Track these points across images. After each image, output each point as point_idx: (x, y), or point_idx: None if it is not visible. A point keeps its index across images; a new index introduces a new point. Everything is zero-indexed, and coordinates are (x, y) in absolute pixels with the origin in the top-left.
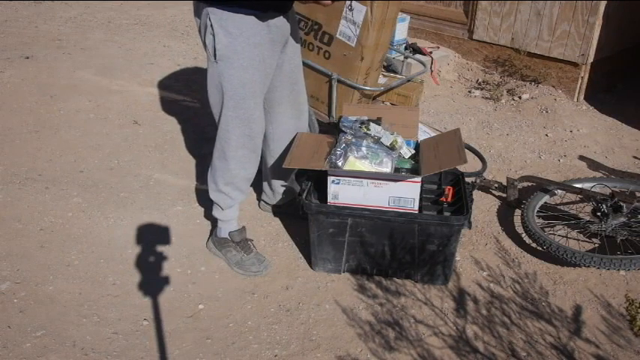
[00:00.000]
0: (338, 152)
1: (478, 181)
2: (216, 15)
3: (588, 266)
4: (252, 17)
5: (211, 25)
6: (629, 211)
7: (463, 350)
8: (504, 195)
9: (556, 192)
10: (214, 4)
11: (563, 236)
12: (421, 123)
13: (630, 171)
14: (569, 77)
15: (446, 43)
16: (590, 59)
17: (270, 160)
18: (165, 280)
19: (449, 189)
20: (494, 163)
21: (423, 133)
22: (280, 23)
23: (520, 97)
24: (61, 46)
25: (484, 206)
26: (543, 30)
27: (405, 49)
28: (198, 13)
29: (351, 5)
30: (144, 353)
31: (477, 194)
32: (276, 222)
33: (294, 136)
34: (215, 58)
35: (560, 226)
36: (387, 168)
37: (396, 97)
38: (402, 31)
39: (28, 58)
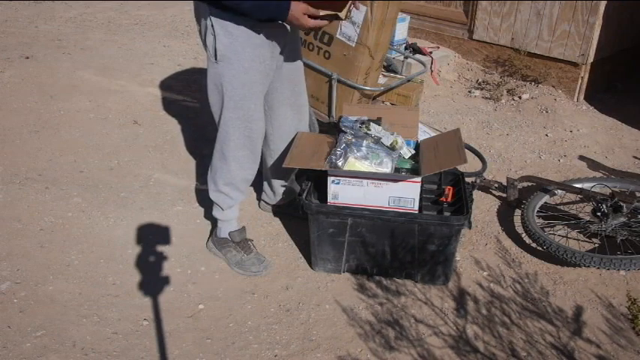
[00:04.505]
0: (338, 152)
1: (478, 181)
2: (217, 15)
3: (588, 266)
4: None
5: (212, 26)
6: (629, 211)
7: (463, 350)
8: (504, 195)
9: (556, 192)
10: (214, 4)
11: (563, 236)
12: (421, 123)
13: (630, 171)
14: (569, 77)
15: (446, 43)
16: (590, 59)
17: (271, 161)
18: (166, 280)
19: (449, 189)
20: (494, 163)
21: (423, 133)
22: (280, 25)
23: (520, 97)
24: (61, 46)
25: (484, 206)
26: (543, 30)
27: (405, 49)
28: (198, 14)
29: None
30: (144, 353)
31: (477, 194)
32: (276, 222)
33: (294, 136)
34: (215, 59)
35: (560, 226)
36: (387, 168)
37: (396, 97)
38: (402, 31)
39: (28, 58)
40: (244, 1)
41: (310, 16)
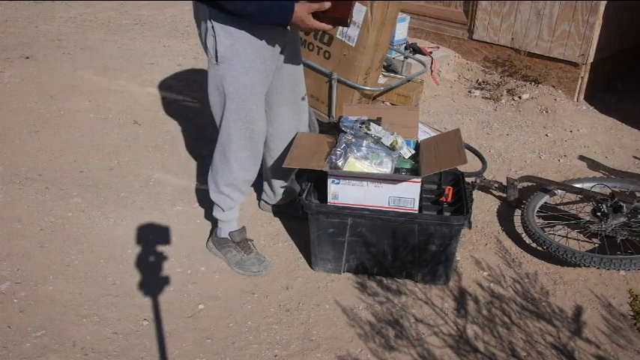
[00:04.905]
0: (338, 152)
1: (478, 181)
2: (217, 17)
3: (588, 266)
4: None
5: (212, 27)
6: (629, 211)
7: (463, 350)
8: (504, 195)
9: (556, 192)
10: (215, 5)
11: (563, 236)
12: (421, 123)
13: (630, 171)
14: (569, 77)
15: (446, 43)
16: (590, 59)
17: (270, 161)
18: (166, 280)
19: (449, 189)
20: (494, 163)
21: (423, 133)
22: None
23: (520, 97)
24: (61, 46)
25: (484, 206)
26: (543, 30)
27: (405, 49)
28: (198, 15)
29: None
30: (144, 353)
31: (477, 194)
32: (276, 222)
33: (294, 136)
34: (216, 60)
35: (560, 226)
36: (387, 168)
37: (396, 97)
38: (402, 31)
39: (28, 58)
40: (248, 4)
41: (315, 15)
